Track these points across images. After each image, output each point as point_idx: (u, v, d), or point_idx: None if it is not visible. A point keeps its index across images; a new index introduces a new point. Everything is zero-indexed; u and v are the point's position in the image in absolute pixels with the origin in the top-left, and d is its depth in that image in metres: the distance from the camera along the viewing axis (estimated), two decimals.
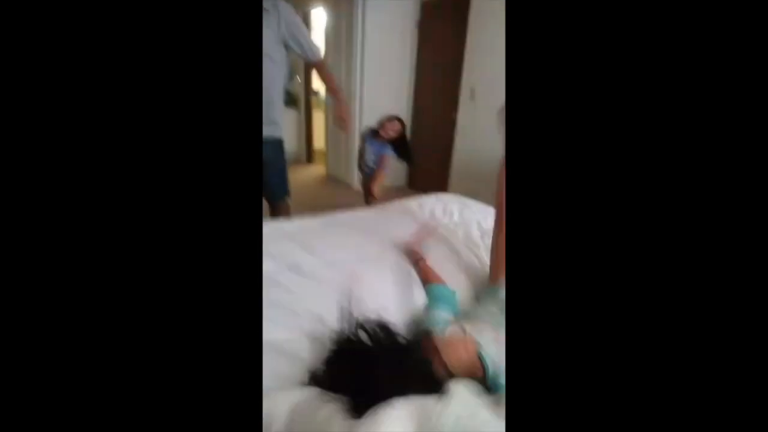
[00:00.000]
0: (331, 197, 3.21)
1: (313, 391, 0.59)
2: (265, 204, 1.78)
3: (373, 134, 2.25)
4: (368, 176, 2.37)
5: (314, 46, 1.51)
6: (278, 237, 1.28)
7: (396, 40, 3.18)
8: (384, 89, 3.26)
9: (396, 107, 3.41)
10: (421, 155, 3.54)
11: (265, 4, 1.34)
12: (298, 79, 4.31)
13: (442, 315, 0.86)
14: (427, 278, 1.05)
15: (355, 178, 3.40)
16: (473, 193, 2.04)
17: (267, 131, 1.50)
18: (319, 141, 4.30)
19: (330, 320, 0.83)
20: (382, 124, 2.20)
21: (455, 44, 2.89)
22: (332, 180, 3.73)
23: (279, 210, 1.71)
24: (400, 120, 2.22)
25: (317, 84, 4.38)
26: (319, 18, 3.79)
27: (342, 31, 3.22)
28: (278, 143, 1.58)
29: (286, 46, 1.44)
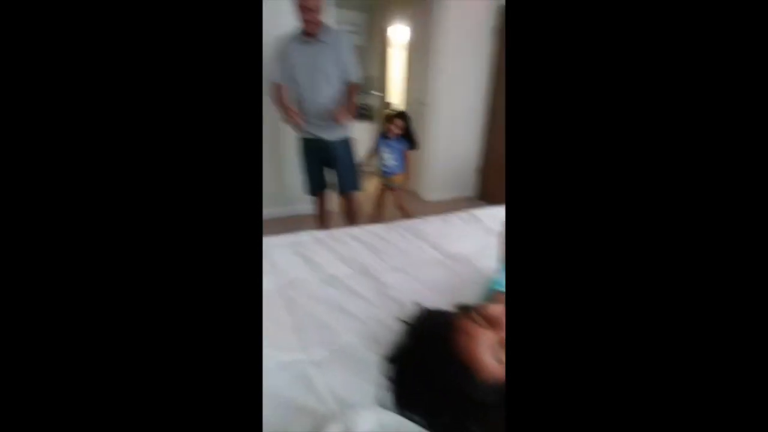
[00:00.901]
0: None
1: (395, 416, 0.56)
2: (336, 197, 2.04)
3: (384, 136, 2.32)
4: (389, 176, 2.42)
5: (354, 69, 1.78)
6: (347, 239, 1.35)
7: (471, 48, 3.15)
8: (460, 95, 3.24)
9: (471, 114, 3.36)
10: (496, 165, 3.43)
11: (325, 38, 1.67)
12: (375, 93, 4.50)
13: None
14: None
15: (425, 191, 3.41)
16: None
17: (337, 134, 1.84)
18: None
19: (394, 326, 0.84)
20: (386, 125, 2.28)
21: None
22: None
23: (348, 203, 1.98)
24: (402, 115, 2.30)
25: (393, 98, 4.53)
26: (400, 33, 3.93)
27: (421, 43, 3.29)
28: (346, 142, 1.86)
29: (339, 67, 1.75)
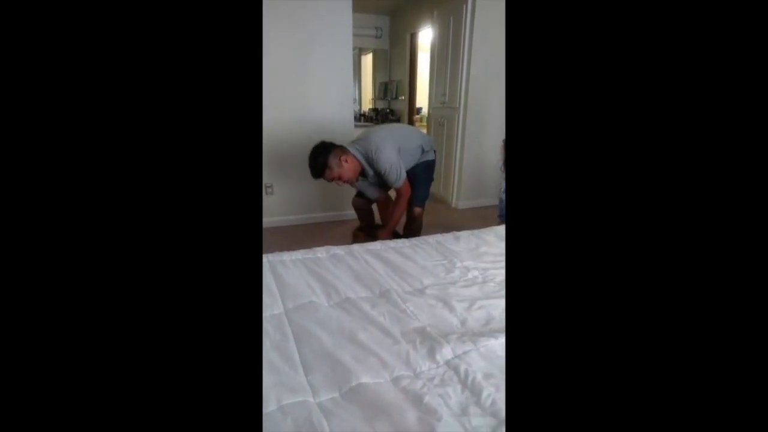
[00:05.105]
0: (431, 211, 3.16)
1: None
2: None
3: None
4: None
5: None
6: (367, 256, 1.24)
7: (502, 52, 2.99)
8: (488, 100, 3.09)
9: (500, 119, 3.20)
10: None
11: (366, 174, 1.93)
12: (402, 97, 4.42)
13: None
14: None
15: (453, 199, 3.28)
16: None
17: (422, 158, 2.08)
18: None
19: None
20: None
21: None
22: (432, 199, 3.68)
23: (413, 214, 2.11)
24: None
25: (420, 103, 4.43)
26: (426, 36, 3.82)
27: (447, 47, 3.17)
28: (427, 163, 2.09)
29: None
